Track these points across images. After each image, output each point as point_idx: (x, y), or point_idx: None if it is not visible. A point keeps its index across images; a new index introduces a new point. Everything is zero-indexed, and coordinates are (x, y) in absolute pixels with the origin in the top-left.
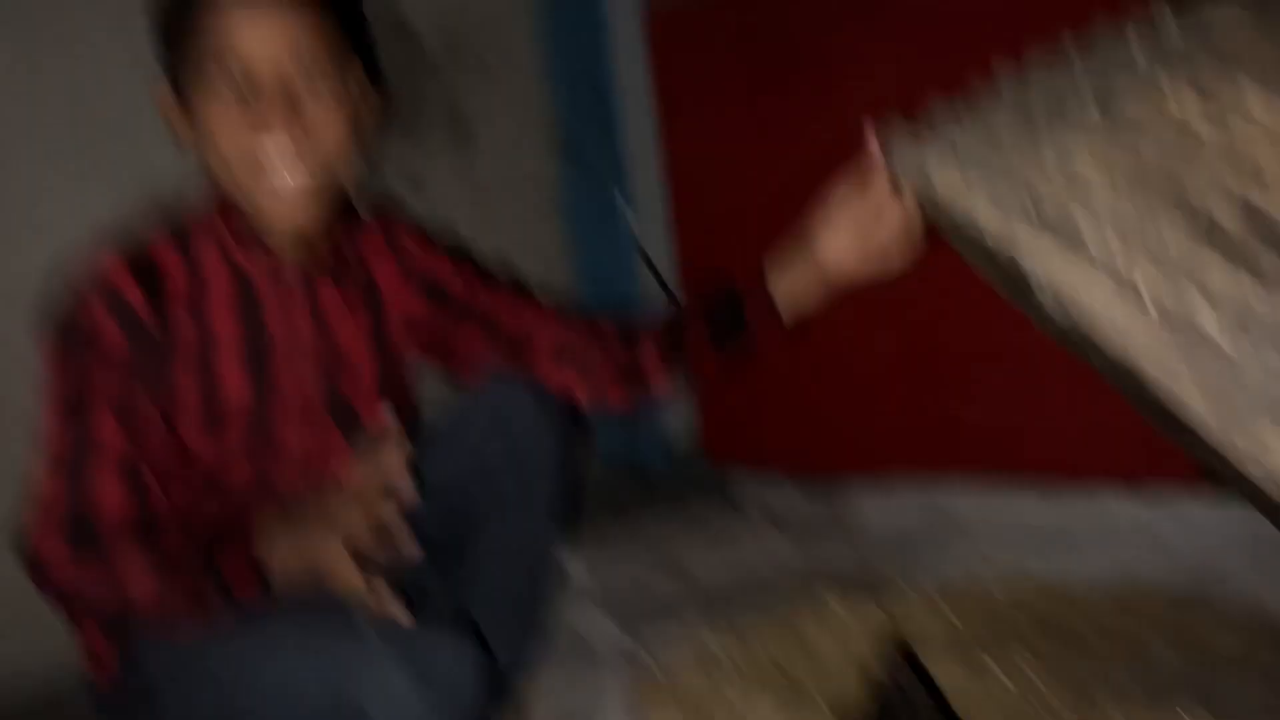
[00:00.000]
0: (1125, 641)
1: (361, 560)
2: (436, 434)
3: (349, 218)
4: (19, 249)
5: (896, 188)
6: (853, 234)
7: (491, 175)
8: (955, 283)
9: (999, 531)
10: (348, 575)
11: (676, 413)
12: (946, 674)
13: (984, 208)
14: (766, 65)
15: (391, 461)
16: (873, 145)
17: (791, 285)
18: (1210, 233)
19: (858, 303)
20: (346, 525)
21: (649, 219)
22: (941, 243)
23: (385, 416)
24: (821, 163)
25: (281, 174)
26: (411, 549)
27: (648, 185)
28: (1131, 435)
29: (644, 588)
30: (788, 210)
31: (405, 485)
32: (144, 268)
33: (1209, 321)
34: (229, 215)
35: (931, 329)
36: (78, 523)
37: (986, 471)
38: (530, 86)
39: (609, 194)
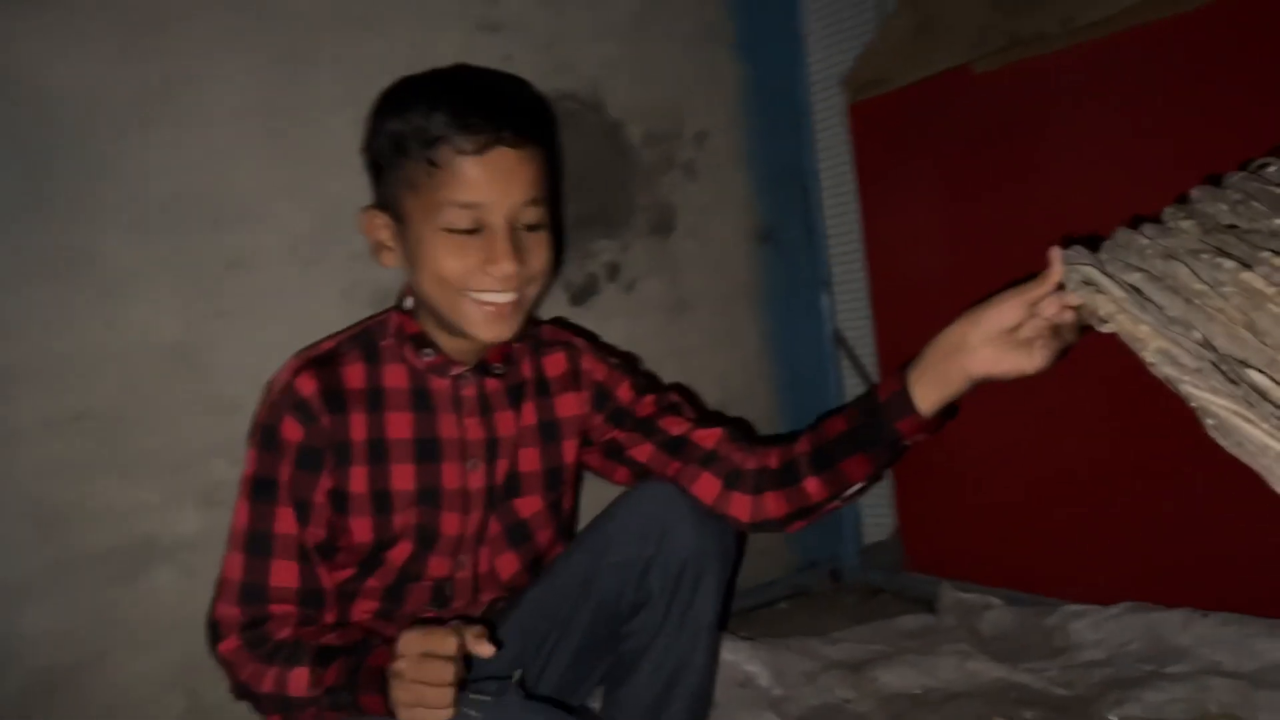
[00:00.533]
0: None
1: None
2: (591, 536)
3: (527, 324)
4: (260, 329)
5: (1064, 294)
6: (1001, 331)
7: (692, 265)
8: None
9: (1228, 666)
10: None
11: (878, 516)
12: None
13: (1147, 329)
14: (966, 151)
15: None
16: (1054, 254)
17: (932, 378)
18: None
19: (1076, 415)
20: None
21: (849, 307)
22: None
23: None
24: (1019, 250)
25: (498, 298)
26: None
27: (848, 273)
28: None
29: (825, 691)
30: (986, 296)
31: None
32: (329, 374)
33: None
34: (414, 322)
35: (1167, 447)
36: (253, 596)
37: (1226, 609)
38: (732, 178)
39: (809, 282)
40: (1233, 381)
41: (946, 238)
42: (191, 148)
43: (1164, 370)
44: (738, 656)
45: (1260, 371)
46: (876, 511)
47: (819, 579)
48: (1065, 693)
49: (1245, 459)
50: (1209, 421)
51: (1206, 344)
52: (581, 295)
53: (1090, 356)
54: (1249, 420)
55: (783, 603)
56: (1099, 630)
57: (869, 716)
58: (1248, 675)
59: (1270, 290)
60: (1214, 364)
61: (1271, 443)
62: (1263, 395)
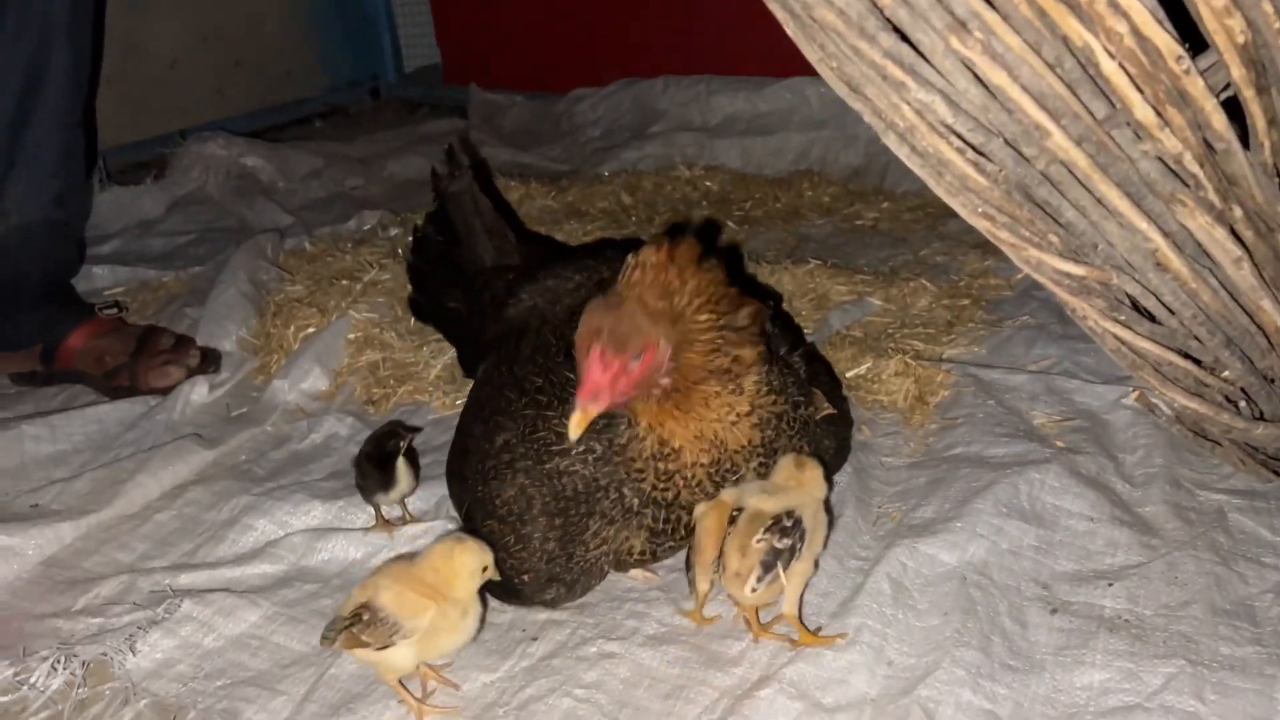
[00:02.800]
0: (785, 215)
1: None
2: None
3: None
4: None
5: None
6: None
7: None
8: None
9: (700, 122)
10: None
11: (418, 35)
12: (597, 239)
13: None
14: None
15: None
16: None
17: None
18: None
19: None
20: None
21: None
22: None
23: None
24: None
25: None
26: None
27: None
28: None
29: (332, 182)
30: None
31: None
32: None
33: None
34: None
35: None
36: None
37: (698, 73)
38: None
39: None
40: None
41: None
42: None
43: None
44: (233, 151)
45: None
46: (416, 31)
47: (357, 97)
48: (564, 167)
49: None
50: None
51: None
52: None
53: None
54: None
55: (317, 121)
56: (597, 109)
57: (374, 198)
58: (710, 128)
59: None
60: None
61: None
62: None
